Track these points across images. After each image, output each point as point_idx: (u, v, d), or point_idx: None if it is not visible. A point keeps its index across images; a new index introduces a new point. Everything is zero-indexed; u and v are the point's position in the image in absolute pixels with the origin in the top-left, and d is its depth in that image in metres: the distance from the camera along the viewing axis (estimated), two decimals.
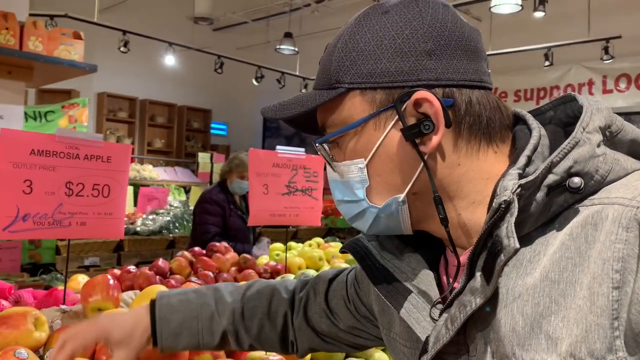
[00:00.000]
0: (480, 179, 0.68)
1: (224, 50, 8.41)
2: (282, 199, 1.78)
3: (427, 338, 0.67)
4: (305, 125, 0.79)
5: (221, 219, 3.68)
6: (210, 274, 1.94)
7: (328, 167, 0.76)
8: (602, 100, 0.72)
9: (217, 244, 2.24)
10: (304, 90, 9.18)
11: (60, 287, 1.68)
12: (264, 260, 2.33)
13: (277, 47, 8.07)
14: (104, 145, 1.36)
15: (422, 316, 0.69)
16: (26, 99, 4.90)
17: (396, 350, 0.81)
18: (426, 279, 0.73)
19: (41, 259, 3.71)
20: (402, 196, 0.69)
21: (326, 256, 2.26)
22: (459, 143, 0.68)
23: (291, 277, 1.65)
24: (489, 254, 0.60)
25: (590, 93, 7.33)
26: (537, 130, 0.68)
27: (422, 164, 0.67)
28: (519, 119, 0.73)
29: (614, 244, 0.55)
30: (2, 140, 1.19)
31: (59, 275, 3.32)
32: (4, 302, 1.41)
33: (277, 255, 2.38)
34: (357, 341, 0.98)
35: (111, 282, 1.25)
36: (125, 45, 6.93)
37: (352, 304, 0.96)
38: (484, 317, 0.62)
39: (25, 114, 4.19)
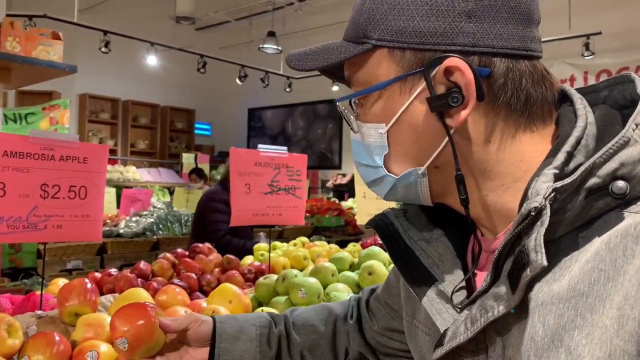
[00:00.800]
0: (514, 160, 0.62)
1: (206, 50, 8.35)
2: (265, 198, 1.76)
3: (445, 331, 0.63)
4: (334, 73, 0.73)
5: (228, 217, 3.70)
6: (193, 275, 1.91)
7: (350, 126, 0.71)
8: None
9: (200, 244, 2.21)
10: (287, 90, 9.16)
11: (37, 292, 1.65)
12: (248, 260, 2.31)
13: (261, 46, 8.03)
14: (80, 146, 1.32)
15: (444, 307, 0.65)
16: (5, 100, 4.81)
17: (417, 338, 0.77)
18: (452, 268, 0.69)
19: (22, 263, 3.64)
20: (422, 169, 0.64)
21: (311, 255, 2.24)
22: (492, 119, 0.61)
23: (274, 277, 1.63)
24: (514, 263, 0.55)
25: None
26: (584, 117, 0.60)
27: (446, 138, 0.61)
28: (566, 97, 0.65)
29: None
30: None
31: (40, 280, 3.26)
32: None
33: (262, 255, 2.36)
34: (392, 345, 0.94)
35: (89, 285, 1.22)
36: (106, 45, 6.85)
37: (383, 300, 0.94)
38: (504, 319, 0.57)
39: (5, 116, 4.12)
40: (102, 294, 1.82)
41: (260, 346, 0.94)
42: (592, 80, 7.34)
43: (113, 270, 1.92)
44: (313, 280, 1.51)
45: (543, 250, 0.52)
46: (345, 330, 0.99)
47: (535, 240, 0.52)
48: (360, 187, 2.34)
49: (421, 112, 0.62)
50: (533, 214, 0.53)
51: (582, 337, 0.50)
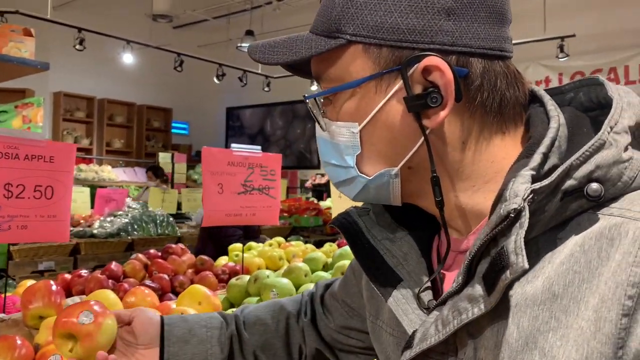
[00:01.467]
0: (485, 161, 0.62)
1: (184, 49, 8.27)
2: (238, 198, 1.74)
3: (414, 333, 0.62)
4: (297, 68, 0.70)
5: None
6: (166, 276, 1.88)
7: (317, 124, 0.68)
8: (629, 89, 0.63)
9: (173, 245, 2.18)
10: (266, 89, 9.13)
11: (9, 294, 1.61)
12: (222, 261, 2.29)
13: (239, 45, 7.99)
14: (47, 145, 1.29)
15: (410, 308, 0.64)
16: None
17: (381, 339, 0.76)
18: (417, 267, 0.68)
19: None
20: (395, 169, 0.63)
21: (286, 255, 2.23)
22: (467, 120, 0.60)
23: (246, 278, 1.62)
24: (491, 264, 0.54)
25: None
26: (556, 119, 0.59)
27: (422, 138, 0.60)
28: (534, 97, 0.65)
29: (631, 267, 0.49)
30: None
31: (10, 281, 3.19)
32: None
33: (237, 255, 2.34)
34: (349, 342, 0.93)
35: (53, 287, 1.19)
36: (81, 43, 6.74)
37: (340, 299, 0.93)
38: (477, 322, 0.56)
39: None
40: (71, 295, 1.79)
41: (212, 348, 0.92)
42: (566, 82, 7.45)
43: (84, 272, 1.88)
44: (285, 281, 1.50)
45: (524, 253, 0.51)
46: (299, 328, 0.98)
47: (515, 243, 0.52)
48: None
49: (397, 111, 0.60)
50: (512, 215, 0.52)
51: (556, 339, 0.50)
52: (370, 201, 0.70)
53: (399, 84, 0.60)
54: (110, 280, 1.82)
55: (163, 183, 6.57)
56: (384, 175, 0.63)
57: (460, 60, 0.59)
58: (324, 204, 6.55)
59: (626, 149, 0.56)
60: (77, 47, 6.70)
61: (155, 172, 6.76)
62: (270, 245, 2.59)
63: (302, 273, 1.63)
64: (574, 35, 6.53)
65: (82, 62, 8.08)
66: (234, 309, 1.47)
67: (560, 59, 6.85)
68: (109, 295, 1.26)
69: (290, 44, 0.65)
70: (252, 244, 2.55)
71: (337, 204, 2.33)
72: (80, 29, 6.72)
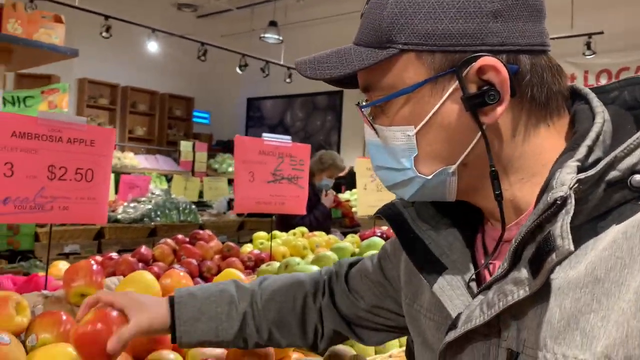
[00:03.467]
0: (533, 154, 0.65)
1: (207, 38, 8.31)
2: (268, 187, 1.77)
3: (459, 315, 0.65)
4: (340, 80, 0.72)
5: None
6: (194, 261, 1.92)
7: (367, 129, 0.71)
8: None
9: (201, 231, 2.22)
10: (288, 80, 9.14)
11: (41, 274, 1.66)
12: (247, 248, 2.32)
13: (262, 35, 8.00)
14: (87, 129, 1.33)
15: (455, 294, 0.67)
16: (4, 83, 4.79)
17: (418, 322, 0.80)
18: (462, 257, 0.71)
19: (19, 245, 3.64)
20: (453, 167, 0.66)
21: (310, 245, 2.26)
22: (517, 113, 0.64)
23: (276, 264, 1.65)
24: (538, 249, 0.57)
25: None
26: (602, 115, 0.63)
27: (478, 135, 0.63)
28: (577, 95, 0.69)
29: None
30: None
31: (37, 263, 3.26)
32: None
33: (261, 243, 2.38)
34: (377, 320, 0.97)
35: (94, 267, 1.23)
36: (107, 30, 6.81)
37: (374, 280, 0.95)
38: (520, 304, 0.59)
39: (4, 98, 4.10)
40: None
41: (222, 324, 0.96)
42: (591, 79, 7.34)
43: (114, 254, 1.93)
44: (315, 268, 1.53)
45: (570, 237, 0.54)
46: (316, 308, 1.00)
47: (562, 227, 0.54)
48: (362, 178, 2.35)
49: (453, 111, 0.64)
50: (559, 202, 0.55)
51: (597, 320, 0.53)
52: (425, 199, 0.73)
53: (454, 85, 0.63)
54: (140, 264, 1.86)
55: None
56: (442, 174, 0.67)
57: (510, 58, 0.62)
58: (342, 196, 6.56)
59: None
60: (104, 34, 6.77)
61: None
62: (294, 234, 2.62)
63: (331, 261, 1.65)
64: (602, 33, 6.43)
65: (107, 49, 8.16)
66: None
67: (587, 57, 6.75)
68: (147, 276, 1.29)
69: (339, 58, 0.68)
70: (277, 232, 2.58)
71: (363, 195, 2.35)
72: (107, 17, 6.79)
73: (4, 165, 1.19)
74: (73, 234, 3.95)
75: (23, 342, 1.00)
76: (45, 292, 1.21)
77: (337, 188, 8.32)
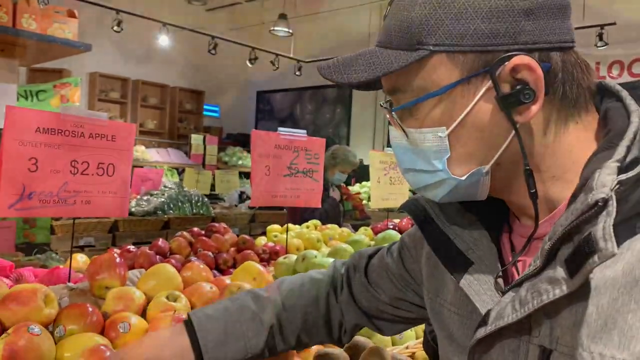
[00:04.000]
0: (564, 151, 0.65)
1: (216, 31, 8.32)
2: (284, 180, 1.79)
3: (489, 312, 0.65)
4: (364, 83, 0.70)
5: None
6: (210, 254, 1.95)
7: (394, 132, 0.70)
8: None
9: (217, 224, 2.25)
10: (297, 73, 9.13)
11: (60, 266, 1.69)
12: (262, 241, 2.35)
13: (272, 28, 7.99)
14: (109, 124, 1.35)
15: (482, 289, 0.68)
16: (17, 77, 4.84)
17: (441, 315, 0.80)
18: (488, 252, 0.71)
19: (35, 238, 3.69)
20: (487, 167, 0.65)
21: (324, 238, 2.28)
22: (548, 112, 0.64)
23: (293, 257, 1.67)
24: (577, 249, 0.56)
25: None
26: (637, 113, 0.62)
27: (512, 134, 0.63)
28: (606, 91, 0.68)
29: None
30: (8, 118, 1.18)
31: (54, 255, 3.30)
32: (6, 280, 1.42)
33: (275, 236, 2.40)
34: (398, 313, 0.96)
35: (117, 260, 1.25)
36: (118, 24, 6.84)
37: (395, 273, 0.94)
38: (554, 302, 0.59)
39: (17, 93, 4.14)
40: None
41: (249, 341, 0.91)
42: (603, 71, 7.27)
43: (131, 247, 1.96)
44: (332, 260, 1.55)
45: (614, 240, 0.53)
46: (338, 306, 0.99)
47: (604, 230, 0.53)
48: (375, 172, 2.36)
49: (486, 111, 0.63)
50: (601, 204, 0.54)
51: (636, 320, 0.53)
52: (456, 200, 0.72)
53: (487, 85, 0.63)
54: (157, 256, 1.89)
55: None
56: (476, 174, 0.66)
57: (542, 56, 0.62)
58: (353, 189, 6.58)
59: None
60: (115, 28, 6.80)
61: None
62: (307, 227, 2.64)
63: (348, 254, 1.67)
64: (614, 24, 6.36)
65: (118, 43, 8.20)
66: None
67: (599, 48, 6.69)
68: (169, 269, 1.32)
69: (366, 61, 0.67)
70: (290, 225, 2.60)
71: (376, 189, 2.37)
72: (118, 11, 6.81)
73: (28, 160, 1.22)
74: (87, 227, 4.00)
75: (51, 333, 1.03)
76: (70, 284, 1.24)
77: (347, 180, 8.33)
